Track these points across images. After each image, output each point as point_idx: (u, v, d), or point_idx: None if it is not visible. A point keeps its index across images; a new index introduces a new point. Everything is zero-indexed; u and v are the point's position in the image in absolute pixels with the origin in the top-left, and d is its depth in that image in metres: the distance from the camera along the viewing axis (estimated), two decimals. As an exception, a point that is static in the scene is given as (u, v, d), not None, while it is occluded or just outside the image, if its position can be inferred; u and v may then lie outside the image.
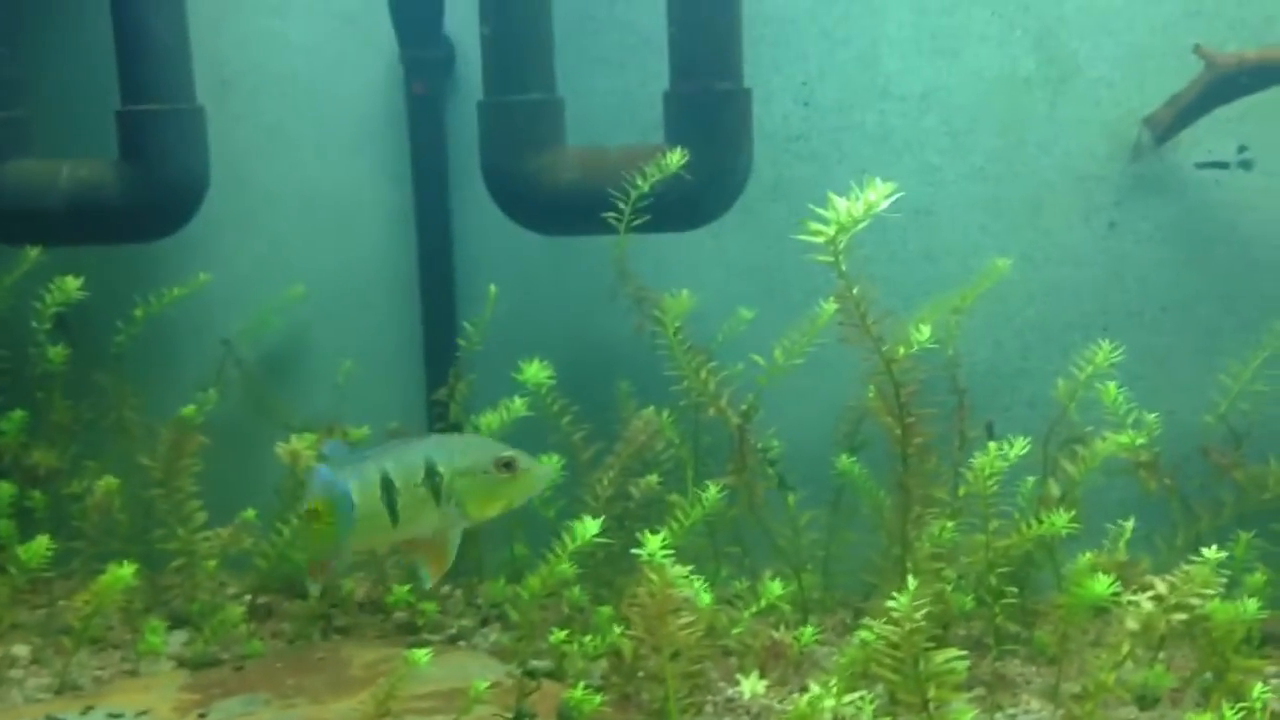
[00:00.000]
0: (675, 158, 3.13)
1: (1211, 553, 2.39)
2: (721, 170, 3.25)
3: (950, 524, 2.79)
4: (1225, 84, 3.16)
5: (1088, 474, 2.92)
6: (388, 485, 2.26)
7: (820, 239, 2.47)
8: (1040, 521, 2.78)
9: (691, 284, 3.30)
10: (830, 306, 2.85)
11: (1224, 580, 2.96)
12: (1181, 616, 2.36)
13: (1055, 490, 3.01)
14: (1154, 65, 3.33)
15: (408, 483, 2.27)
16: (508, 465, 2.32)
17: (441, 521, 2.31)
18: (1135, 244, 3.43)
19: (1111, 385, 2.97)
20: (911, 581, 2.34)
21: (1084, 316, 3.46)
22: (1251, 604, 2.62)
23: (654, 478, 3.16)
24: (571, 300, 3.62)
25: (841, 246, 2.51)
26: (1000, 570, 2.72)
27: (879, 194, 2.41)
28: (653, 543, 2.61)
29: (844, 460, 3.21)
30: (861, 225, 2.48)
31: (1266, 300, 3.36)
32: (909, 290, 3.48)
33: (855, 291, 2.58)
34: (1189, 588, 2.37)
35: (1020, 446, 2.68)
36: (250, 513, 3.22)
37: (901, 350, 2.65)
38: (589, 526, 2.67)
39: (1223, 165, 3.36)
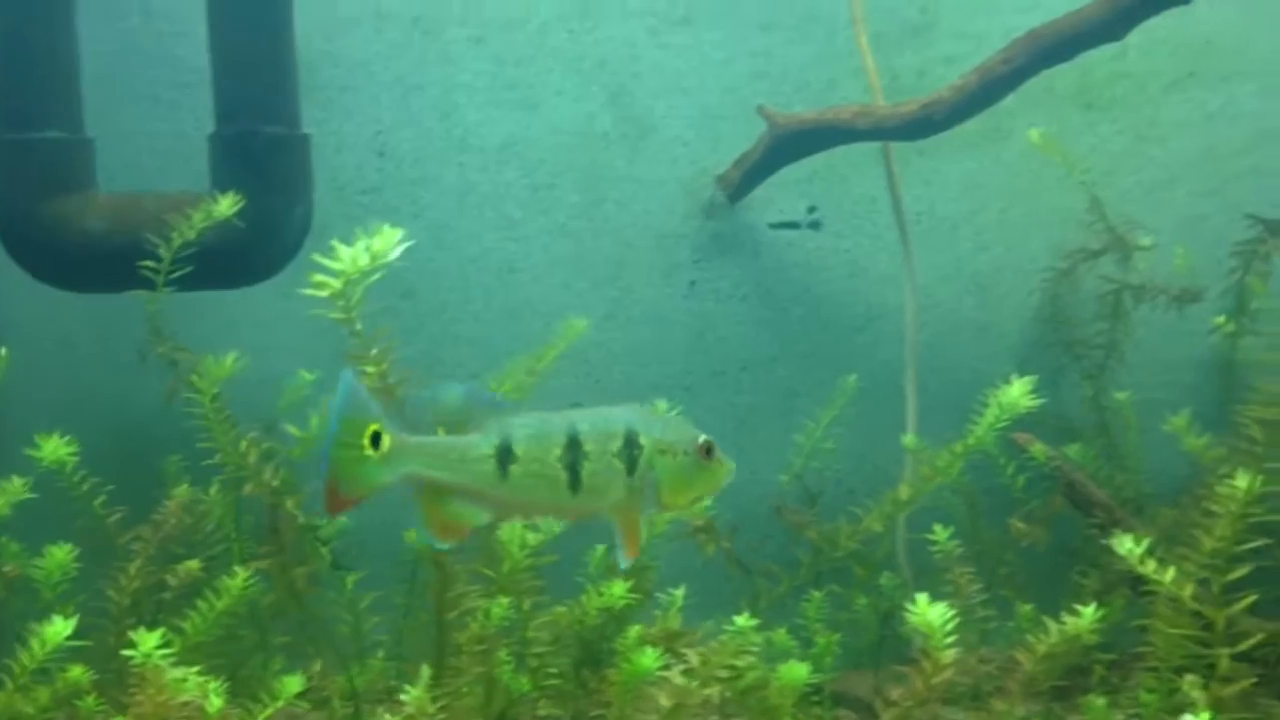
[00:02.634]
0: (222, 206, 2.84)
1: (744, 619, 2.30)
2: (275, 222, 2.97)
3: (505, 600, 2.59)
4: (787, 143, 3.20)
5: (653, 538, 2.80)
6: (575, 446, 1.94)
7: (326, 292, 2.22)
8: (600, 593, 2.64)
9: (259, 345, 3.00)
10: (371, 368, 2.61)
11: (801, 640, 2.98)
12: (709, 691, 2.24)
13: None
14: (726, 125, 3.34)
15: (602, 449, 1.96)
16: (708, 450, 2.04)
17: (629, 501, 1.99)
18: (716, 303, 3.41)
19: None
20: (425, 671, 2.11)
21: (668, 377, 3.40)
22: (800, 669, 2.55)
23: (195, 564, 2.80)
24: (118, 364, 3.22)
25: (355, 300, 2.27)
26: (541, 649, 2.54)
27: (387, 241, 2.20)
28: (148, 641, 2.27)
29: (412, 534, 2.96)
30: (373, 277, 2.25)
31: (839, 358, 3.41)
32: (494, 351, 3.32)
33: (375, 352, 2.34)
34: (719, 658, 2.26)
35: (563, 515, 2.52)
36: None
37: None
38: (59, 628, 2.28)
39: (794, 225, 3.40)
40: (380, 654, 3.03)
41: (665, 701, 2.26)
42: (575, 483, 1.97)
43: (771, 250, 3.41)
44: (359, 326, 2.30)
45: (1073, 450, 3.18)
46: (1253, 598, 2.33)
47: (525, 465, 1.95)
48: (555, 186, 3.35)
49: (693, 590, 2.69)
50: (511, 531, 2.43)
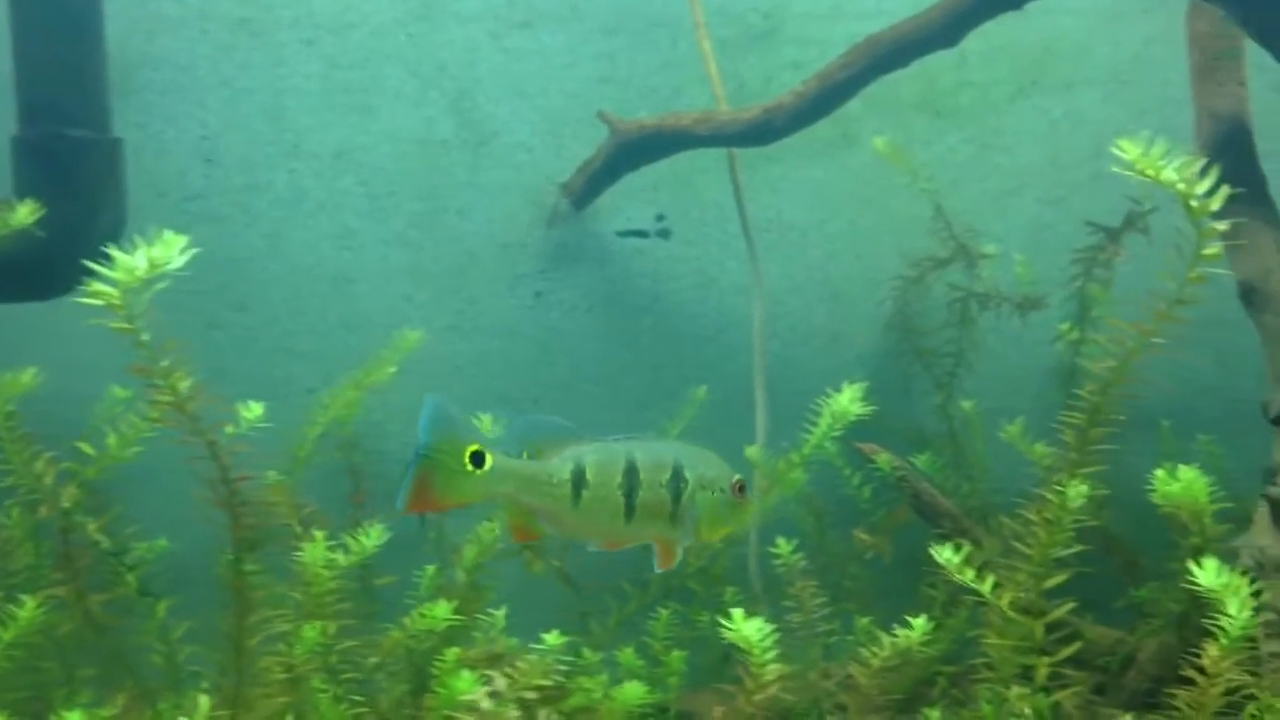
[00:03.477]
0: (20, 213, 2.68)
1: (553, 637, 2.20)
2: (78, 230, 2.81)
3: (322, 625, 2.45)
4: (628, 150, 3.12)
5: (480, 558, 2.69)
6: (631, 474, 2.06)
7: (101, 302, 2.08)
8: (422, 615, 2.52)
9: (70, 360, 2.84)
10: (179, 382, 2.46)
11: (649, 659, 2.88)
12: (518, 714, 2.13)
13: (462, 576, 2.77)
14: (570, 131, 3.26)
15: (653, 479, 2.08)
16: (742, 489, 2.15)
17: (670, 532, 2.12)
18: (562, 314, 3.32)
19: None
20: (204, 702, 1.97)
21: (515, 389, 3.30)
22: (636, 688, 2.45)
23: (-10, 592, 2.63)
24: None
25: (138, 311, 2.13)
26: (353, 676, 2.41)
27: (167, 249, 2.06)
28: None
29: (226, 559, 2.81)
30: (158, 285, 2.12)
31: (689, 368, 3.34)
32: (330, 365, 3.19)
33: (165, 364, 2.20)
34: (527, 679, 2.16)
35: (376, 535, 2.41)
36: None
37: (230, 430, 2.31)
38: None
39: (642, 234, 3.33)
40: (204, 685, 2.87)
41: (470, 727, 2.15)
42: (630, 510, 2.09)
43: (619, 259, 3.33)
44: (145, 337, 2.16)
45: (922, 460, 3.13)
46: (1070, 604, 2.29)
47: (594, 491, 2.07)
48: (394, 194, 3.24)
49: (548, 610, 2.59)
50: (315, 552, 2.30)
